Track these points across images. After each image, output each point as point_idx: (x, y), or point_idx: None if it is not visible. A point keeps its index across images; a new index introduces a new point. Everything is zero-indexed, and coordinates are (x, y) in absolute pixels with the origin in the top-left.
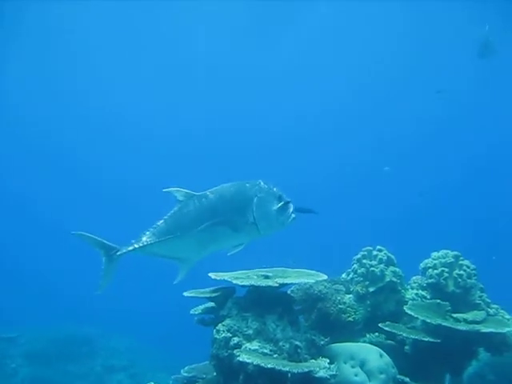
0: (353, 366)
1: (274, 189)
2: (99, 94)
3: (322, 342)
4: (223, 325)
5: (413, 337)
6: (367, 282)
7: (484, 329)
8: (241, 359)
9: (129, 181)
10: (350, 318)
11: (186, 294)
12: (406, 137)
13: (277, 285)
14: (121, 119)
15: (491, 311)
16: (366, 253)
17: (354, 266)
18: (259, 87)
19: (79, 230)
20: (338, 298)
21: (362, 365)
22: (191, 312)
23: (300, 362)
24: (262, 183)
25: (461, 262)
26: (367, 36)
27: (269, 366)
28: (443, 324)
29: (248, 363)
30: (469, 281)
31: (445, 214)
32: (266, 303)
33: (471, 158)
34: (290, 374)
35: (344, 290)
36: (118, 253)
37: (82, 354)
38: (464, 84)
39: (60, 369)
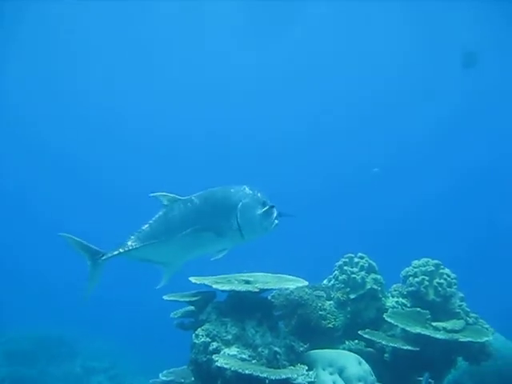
0: (331, 373)
1: (259, 194)
2: (99, 94)
3: (302, 349)
4: (202, 329)
5: (392, 345)
6: (348, 289)
7: (463, 338)
8: (219, 364)
9: (128, 181)
10: (329, 325)
11: (165, 297)
12: (404, 141)
13: (257, 290)
14: (120, 120)
15: (470, 320)
16: (347, 259)
17: (336, 272)
18: (258, 88)
19: (71, 233)
20: (319, 304)
21: (341, 372)
22: (171, 315)
23: (279, 368)
24: (246, 189)
25: (441, 271)
26: (367, 36)
27: (246, 371)
28: (423, 333)
29: (226, 369)
30: (449, 289)
31: (429, 224)
32: (246, 308)
33: (462, 167)
34: (267, 381)
35: (325, 296)
36: (104, 257)
37: (63, 354)
38: (464, 84)
39: (40, 369)
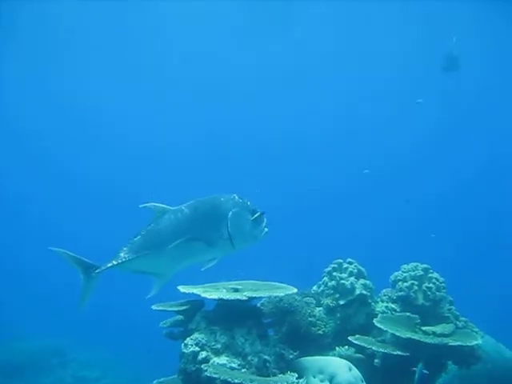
0: (322, 380)
1: (248, 203)
2: (97, 95)
3: (291, 356)
4: (191, 339)
5: (382, 350)
6: (337, 295)
7: (452, 342)
8: (208, 374)
9: (127, 184)
10: (319, 331)
11: (154, 307)
12: (404, 142)
13: (246, 298)
14: (120, 121)
15: (460, 324)
16: (336, 265)
17: (325, 278)
18: (257, 89)
19: (62, 247)
20: (308, 310)
21: (331, 379)
22: (160, 325)
23: (268, 376)
24: (236, 197)
25: (430, 275)
26: (367, 36)
27: (236, 381)
28: (412, 337)
29: (215, 378)
30: (438, 294)
31: (417, 228)
32: (235, 317)
33: (461, 168)
34: None
35: (314, 302)
36: (97, 270)
37: (53, 365)
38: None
39: (30, 380)
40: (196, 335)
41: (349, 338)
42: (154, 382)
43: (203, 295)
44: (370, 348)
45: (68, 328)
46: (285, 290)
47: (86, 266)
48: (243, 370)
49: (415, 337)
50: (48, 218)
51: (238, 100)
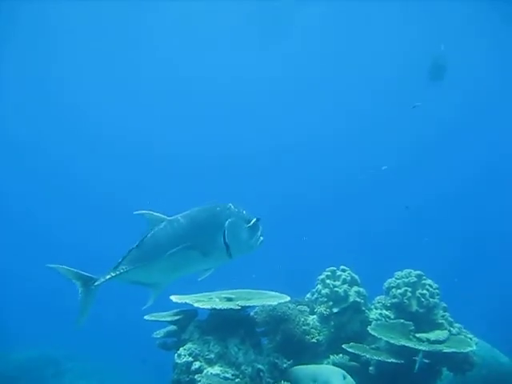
0: None
1: (244, 212)
2: (97, 97)
3: (285, 365)
4: (184, 349)
5: (377, 358)
6: (331, 303)
7: (446, 349)
8: None
9: (125, 191)
10: (313, 340)
11: (147, 317)
12: (404, 143)
13: (239, 307)
14: (119, 125)
15: (454, 330)
16: (329, 273)
17: (318, 286)
18: (255, 93)
19: (58, 264)
20: (302, 319)
21: None
22: (153, 335)
23: None
24: (232, 207)
25: (424, 282)
26: (367, 38)
27: None
28: (406, 345)
29: None
30: (432, 300)
31: (412, 233)
32: (228, 326)
33: (461, 170)
34: None
35: (308, 310)
36: (96, 283)
37: (48, 375)
38: (465, 85)
39: None
40: (189, 345)
41: (343, 345)
42: None
43: (196, 305)
44: (364, 356)
45: (62, 338)
46: (278, 299)
47: (85, 279)
48: (237, 380)
49: (409, 344)
50: (46, 224)
51: (236, 104)
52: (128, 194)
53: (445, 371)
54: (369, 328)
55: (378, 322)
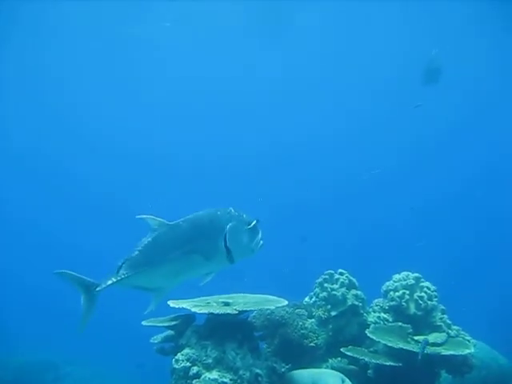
0: None
1: (244, 215)
2: (96, 98)
3: (283, 369)
4: (182, 354)
5: (375, 361)
6: (329, 306)
7: (444, 351)
8: None
9: (125, 193)
10: (311, 343)
11: (144, 322)
12: (404, 144)
13: (236, 312)
14: (118, 127)
15: (452, 333)
16: (327, 276)
17: (316, 289)
18: (254, 95)
19: (57, 267)
20: (300, 323)
21: None
22: (151, 341)
23: None
24: (232, 210)
25: (422, 284)
26: (367, 39)
27: None
28: (405, 348)
29: None
30: (430, 303)
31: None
32: (226, 331)
33: (461, 171)
34: None
35: (306, 314)
36: (98, 288)
37: (48, 380)
38: (465, 85)
39: None
40: (187, 350)
41: (341, 349)
42: None
43: (193, 310)
44: (363, 359)
45: (62, 342)
46: (275, 303)
47: (87, 284)
48: None
49: (407, 347)
50: (46, 226)
51: (238, 102)
52: (128, 195)
53: (443, 374)
54: (367, 331)
55: (377, 325)
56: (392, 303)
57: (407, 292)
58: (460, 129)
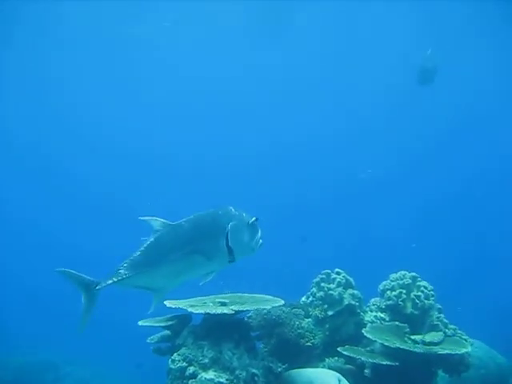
0: None
1: (244, 215)
2: (97, 99)
3: (280, 369)
4: (178, 354)
5: (372, 360)
6: (326, 306)
7: (441, 351)
8: None
9: (125, 193)
10: (308, 343)
11: (140, 322)
12: (405, 145)
13: (232, 312)
14: (118, 127)
15: (449, 332)
16: (324, 276)
17: (313, 289)
18: (254, 95)
19: (57, 266)
20: (297, 322)
21: None
22: (147, 341)
23: None
24: (233, 210)
25: (418, 283)
26: (367, 39)
27: None
28: (401, 347)
29: None
30: (427, 302)
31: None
32: (223, 331)
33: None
34: None
35: (303, 314)
36: (98, 287)
37: (48, 380)
38: (465, 85)
39: None
40: (183, 350)
41: (338, 348)
42: None
43: (190, 310)
44: (360, 358)
45: (62, 342)
46: (272, 303)
47: (88, 283)
48: None
49: (404, 346)
50: (46, 225)
51: (238, 102)
52: (128, 195)
53: (440, 373)
54: (364, 330)
55: (373, 324)
56: (389, 302)
57: (404, 291)
58: (460, 129)
